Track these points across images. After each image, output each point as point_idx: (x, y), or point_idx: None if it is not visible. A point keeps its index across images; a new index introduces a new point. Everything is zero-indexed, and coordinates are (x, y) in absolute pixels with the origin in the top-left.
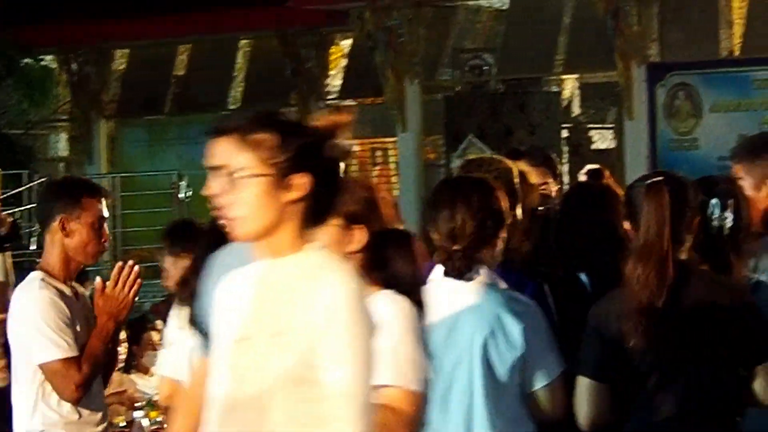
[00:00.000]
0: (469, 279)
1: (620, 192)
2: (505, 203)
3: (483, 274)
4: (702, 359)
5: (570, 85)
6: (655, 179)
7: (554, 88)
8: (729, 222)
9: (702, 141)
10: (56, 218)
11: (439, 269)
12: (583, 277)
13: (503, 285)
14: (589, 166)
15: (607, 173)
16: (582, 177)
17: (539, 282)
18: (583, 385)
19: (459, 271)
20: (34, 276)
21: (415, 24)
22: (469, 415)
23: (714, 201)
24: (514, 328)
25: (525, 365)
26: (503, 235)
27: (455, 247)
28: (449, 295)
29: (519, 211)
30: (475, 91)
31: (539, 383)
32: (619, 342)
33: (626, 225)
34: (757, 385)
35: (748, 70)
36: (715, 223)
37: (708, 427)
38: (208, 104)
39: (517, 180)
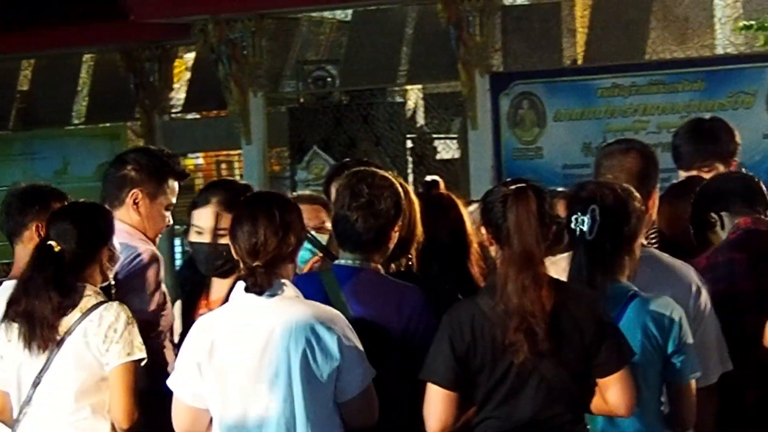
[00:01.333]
0: (273, 294)
1: (459, 201)
2: (302, 221)
3: (287, 289)
4: (557, 367)
5: (414, 96)
6: (519, 185)
7: (398, 99)
8: (585, 227)
9: (546, 149)
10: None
11: (240, 285)
12: None
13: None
14: (428, 177)
15: (442, 184)
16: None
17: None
18: (433, 391)
19: (260, 286)
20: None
21: (258, 36)
22: (291, 428)
23: (580, 206)
24: (330, 339)
25: (339, 375)
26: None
27: (257, 263)
28: (258, 312)
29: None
30: (319, 103)
31: (352, 392)
32: (472, 349)
33: (484, 232)
34: (611, 395)
35: (592, 78)
36: (574, 225)
37: None
38: (53, 119)
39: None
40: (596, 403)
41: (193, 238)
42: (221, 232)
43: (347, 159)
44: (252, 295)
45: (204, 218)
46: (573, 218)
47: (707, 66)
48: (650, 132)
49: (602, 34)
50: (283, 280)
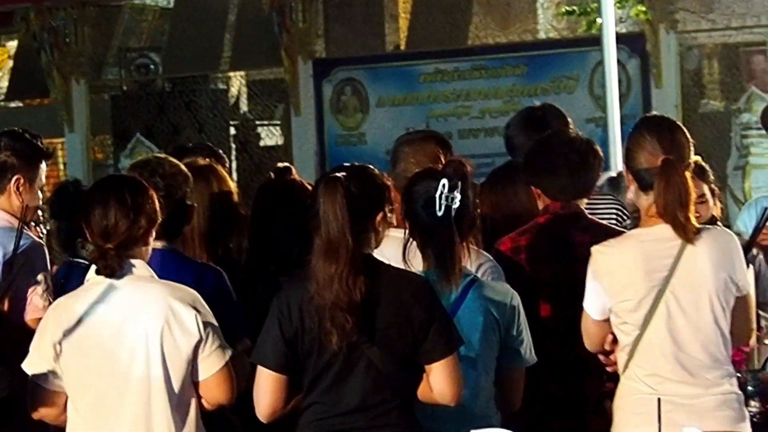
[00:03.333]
0: (125, 275)
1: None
2: (156, 201)
3: (140, 269)
4: (384, 352)
5: (237, 83)
6: (332, 175)
7: (221, 86)
8: (456, 202)
9: (369, 135)
10: None
11: (93, 268)
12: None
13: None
14: (280, 164)
15: (294, 170)
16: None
17: (219, 271)
18: (263, 375)
19: (111, 269)
20: None
21: (80, 24)
22: (148, 406)
23: (444, 181)
24: (188, 317)
25: (197, 353)
26: (153, 232)
27: (108, 246)
28: (112, 292)
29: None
30: (142, 90)
31: (210, 370)
32: (300, 333)
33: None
34: (436, 382)
35: (414, 63)
36: (443, 202)
37: (386, 419)
38: None
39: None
40: (423, 390)
41: None
42: None
43: (192, 144)
44: (103, 277)
45: None
46: (441, 194)
47: (529, 51)
48: (473, 117)
49: (424, 20)
50: (135, 261)
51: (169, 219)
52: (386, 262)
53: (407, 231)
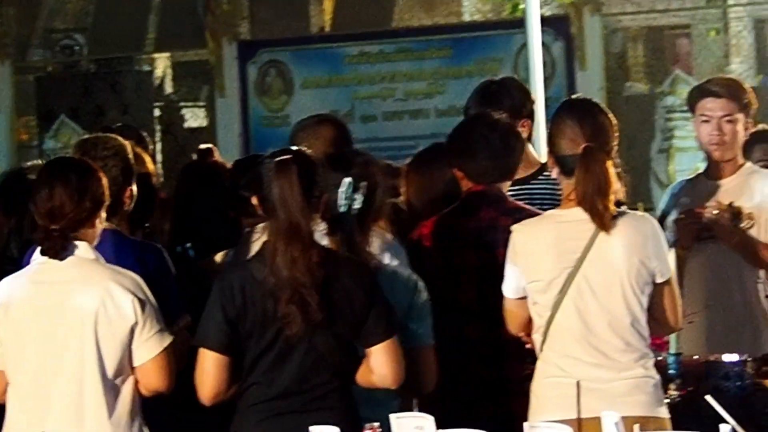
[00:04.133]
0: (68, 257)
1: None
2: (104, 184)
3: (84, 251)
4: (327, 336)
5: (162, 64)
6: (282, 157)
7: (146, 67)
8: (358, 204)
9: (294, 117)
10: None
11: (38, 249)
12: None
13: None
14: (202, 145)
15: (216, 152)
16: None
17: (159, 248)
18: (206, 357)
19: (55, 250)
20: None
21: (4, 5)
22: (81, 388)
23: (347, 180)
24: (125, 301)
25: (134, 337)
26: (102, 214)
27: (53, 227)
28: (54, 273)
29: (135, 187)
30: (67, 72)
31: (146, 356)
32: (242, 315)
33: (254, 200)
34: (377, 365)
35: (339, 45)
36: (344, 201)
37: (323, 402)
38: None
39: (131, 156)
40: (362, 374)
41: None
42: None
43: (117, 125)
44: (47, 258)
45: None
46: (344, 192)
47: (454, 33)
48: (397, 99)
49: (349, 2)
50: (79, 243)
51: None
52: None
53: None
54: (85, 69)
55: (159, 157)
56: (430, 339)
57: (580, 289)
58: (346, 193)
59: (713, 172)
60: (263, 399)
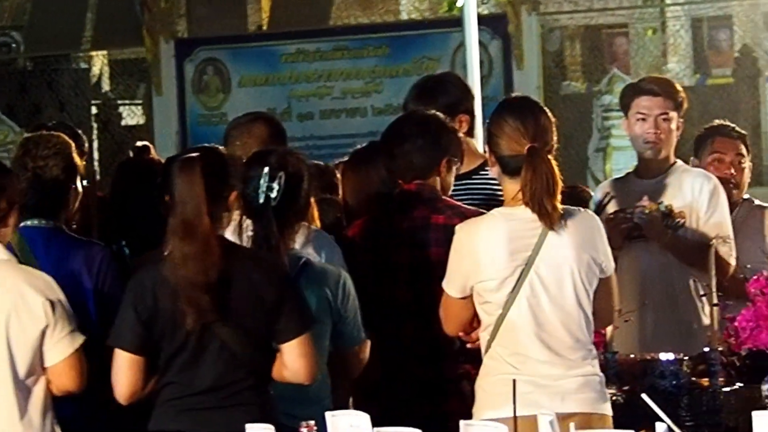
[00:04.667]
0: None
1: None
2: (17, 185)
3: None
4: (237, 333)
5: (99, 62)
6: (187, 155)
7: (83, 65)
8: (275, 193)
9: (231, 115)
10: None
11: None
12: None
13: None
14: (138, 143)
15: (152, 150)
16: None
17: (105, 247)
18: (120, 358)
19: None
20: None
21: None
22: None
23: (265, 170)
24: (36, 302)
25: (44, 339)
26: (16, 214)
27: None
28: None
29: (79, 184)
30: (3, 69)
31: (58, 357)
32: (154, 314)
33: (167, 198)
34: (290, 361)
35: (276, 44)
36: (261, 192)
37: (239, 399)
38: None
39: (75, 155)
40: (277, 370)
41: None
42: None
43: (53, 122)
44: None
45: None
46: (261, 184)
47: (391, 32)
48: (335, 98)
49: (287, 1)
50: None
51: (49, 196)
52: None
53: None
54: (21, 66)
55: (96, 155)
56: (363, 334)
57: (533, 287)
58: (263, 184)
59: (644, 170)
60: (179, 396)
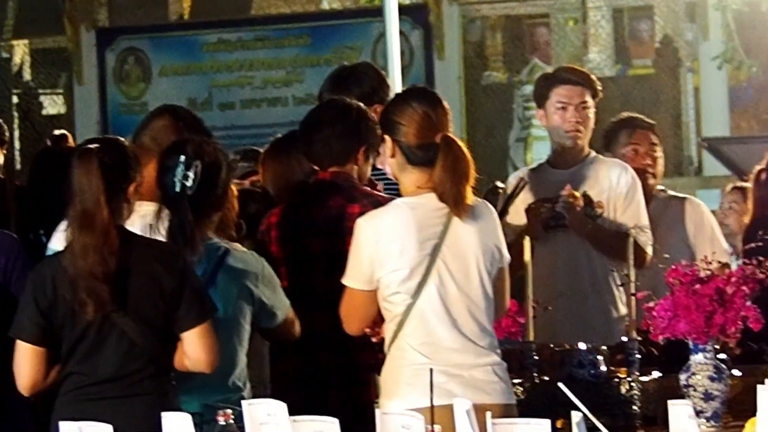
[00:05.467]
0: None
1: None
2: None
3: None
4: (137, 323)
5: (20, 51)
6: (86, 147)
7: (4, 54)
8: (190, 182)
9: (152, 105)
10: None
11: None
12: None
13: None
14: (56, 132)
15: (71, 139)
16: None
17: (12, 235)
18: (22, 349)
19: None
20: None
21: None
22: None
23: (181, 159)
24: None
25: None
26: None
27: None
28: None
29: None
30: None
31: None
32: (54, 305)
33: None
34: (191, 350)
35: (197, 33)
36: (177, 180)
37: (140, 388)
38: None
39: None
40: (178, 359)
41: None
42: None
43: None
44: None
45: None
46: (177, 172)
47: (312, 21)
48: (255, 87)
49: None
50: None
51: None
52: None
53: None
54: None
55: (17, 144)
56: (279, 322)
57: (441, 275)
58: (179, 172)
59: (559, 161)
60: (81, 385)
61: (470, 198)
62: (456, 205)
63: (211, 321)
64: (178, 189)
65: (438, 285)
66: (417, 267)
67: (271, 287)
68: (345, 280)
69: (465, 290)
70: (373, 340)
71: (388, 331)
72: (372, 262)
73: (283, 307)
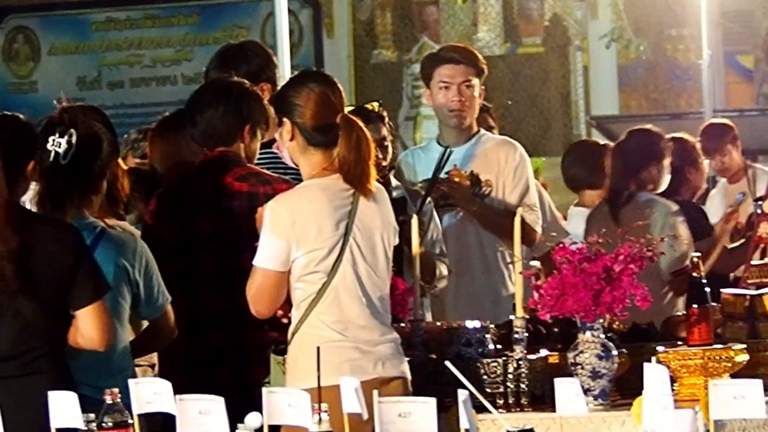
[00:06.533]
0: None
1: None
2: None
3: None
4: (32, 301)
5: None
6: None
7: None
8: (62, 149)
9: (41, 84)
10: None
11: None
12: None
13: None
14: None
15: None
16: None
17: None
18: None
19: None
20: None
21: None
22: None
23: (55, 126)
24: None
25: None
26: None
27: None
28: None
29: None
30: None
31: None
32: None
33: None
34: (85, 327)
35: (86, 12)
36: (50, 147)
37: (35, 366)
38: None
39: None
40: (72, 337)
41: None
42: None
43: None
44: None
45: None
46: (50, 140)
47: (202, 0)
48: (145, 65)
49: None
50: None
51: None
52: None
53: None
54: None
55: None
56: (166, 301)
57: (353, 253)
58: (52, 140)
59: (448, 139)
60: None
61: (374, 177)
62: (361, 185)
63: (104, 299)
64: (51, 158)
65: (351, 263)
66: (334, 246)
67: (147, 268)
68: (257, 262)
69: (373, 268)
70: (284, 321)
71: (299, 309)
72: (289, 243)
73: (161, 292)
